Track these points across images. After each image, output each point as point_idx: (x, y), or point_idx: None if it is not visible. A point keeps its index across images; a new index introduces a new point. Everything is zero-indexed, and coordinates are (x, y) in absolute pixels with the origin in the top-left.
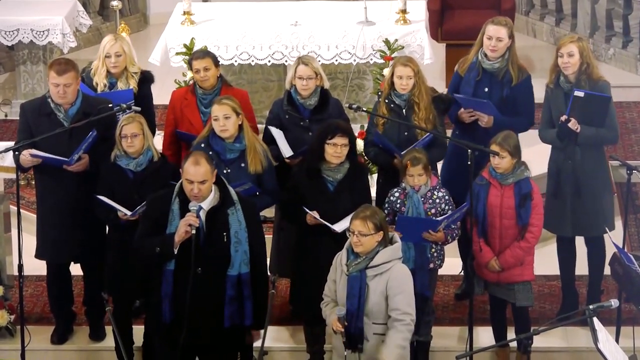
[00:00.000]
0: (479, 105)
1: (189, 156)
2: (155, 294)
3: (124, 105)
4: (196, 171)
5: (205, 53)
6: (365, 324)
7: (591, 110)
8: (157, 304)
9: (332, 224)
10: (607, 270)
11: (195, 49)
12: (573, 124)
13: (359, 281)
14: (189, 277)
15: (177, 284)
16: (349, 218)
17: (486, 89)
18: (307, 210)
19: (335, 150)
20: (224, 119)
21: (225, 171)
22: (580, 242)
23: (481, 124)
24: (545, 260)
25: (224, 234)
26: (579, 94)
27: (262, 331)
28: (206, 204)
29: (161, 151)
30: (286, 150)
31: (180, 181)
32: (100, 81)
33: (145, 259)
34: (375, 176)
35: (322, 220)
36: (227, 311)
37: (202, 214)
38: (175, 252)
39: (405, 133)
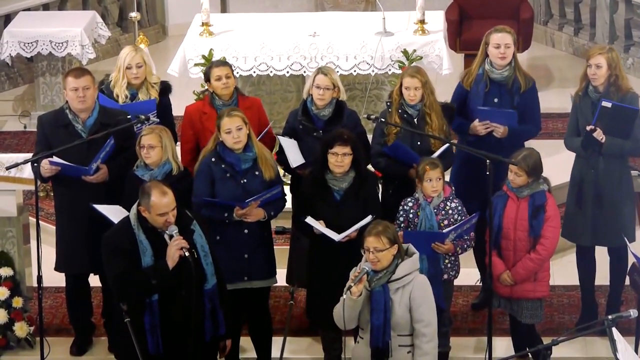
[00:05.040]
0: (504, 116)
1: (150, 190)
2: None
3: (142, 117)
4: (165, 201)
5: (224, 62)
6: (391, 337)
7: (618, 121)
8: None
9: (338, 233)
10: (626, 281)
11: (213, 59)
12: (598, 134)
13: (382, 295)
14: (176, 301)
15: (164, 313)
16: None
17: (496, 100)
18: (310, 222)
19: (336, 160)
20: (237, 131)
21: (242, 181)
22: (600, 253)
23: (497, 135)
24: (564, 270)
25: (193, 250)
26: (607, 104)
27: (229, 340)
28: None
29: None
30: (293, 161)
31: (134, 211)
32: (121, 93)
33: (141, 294)
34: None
35: (323, 229)
36: (207, 325)
37: (176, 236)
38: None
39: (419, 142)
